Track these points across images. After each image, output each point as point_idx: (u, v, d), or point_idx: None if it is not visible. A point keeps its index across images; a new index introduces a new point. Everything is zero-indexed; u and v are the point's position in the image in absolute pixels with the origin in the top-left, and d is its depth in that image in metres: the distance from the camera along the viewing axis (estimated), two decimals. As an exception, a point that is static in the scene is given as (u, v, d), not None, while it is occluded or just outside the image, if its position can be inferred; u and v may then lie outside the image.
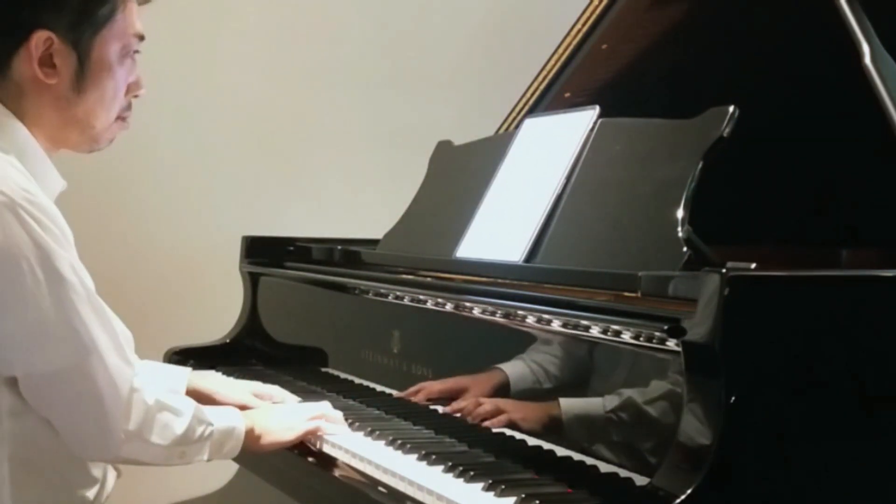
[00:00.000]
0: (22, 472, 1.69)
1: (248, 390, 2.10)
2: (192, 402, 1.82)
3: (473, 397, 1.86)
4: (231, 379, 2.22)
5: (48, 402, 1.68)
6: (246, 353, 2.68)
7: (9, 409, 1.68)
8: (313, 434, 1.94)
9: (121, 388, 1.69)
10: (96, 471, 1.80)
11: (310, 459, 1.93)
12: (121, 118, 1.83)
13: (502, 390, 1.81)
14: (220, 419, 1.83)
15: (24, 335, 1.64)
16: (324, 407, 2.00)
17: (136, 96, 1.84)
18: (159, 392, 1.76)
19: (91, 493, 1.78)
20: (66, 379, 1.66)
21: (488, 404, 1.82)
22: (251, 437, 1.86)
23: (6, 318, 1.64)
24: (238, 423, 1.85)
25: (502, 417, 1.79)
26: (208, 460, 1.83)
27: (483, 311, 1.87)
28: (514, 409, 1.79)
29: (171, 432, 1.74)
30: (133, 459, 1.74)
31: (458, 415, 1.89)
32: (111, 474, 1.87)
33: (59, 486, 1.74)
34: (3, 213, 1.62)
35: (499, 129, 2.64)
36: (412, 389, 2.03)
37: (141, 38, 1.82)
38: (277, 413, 1.99)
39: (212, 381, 2.14)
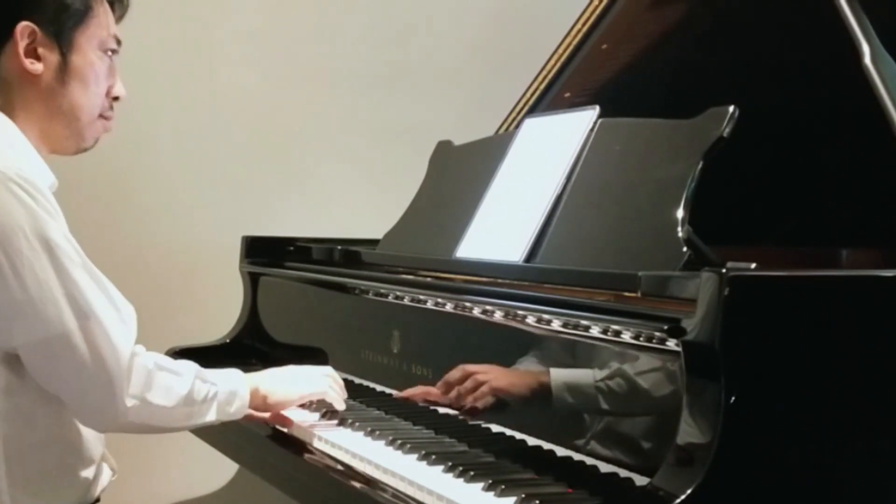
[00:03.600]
0: (17, 451, 1.72)
1: None
2: (192, 364, 1.85)
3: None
4: None
5: (52, 371, 1.71)
6: (246, 353, 2.68)
7: (4, 387, 1.71)
8: (319, 396, 1.99)
9: (121, 352, 1.71)
10: (91, 457, 1.81)
11: (310, 459, 1.93)
12: (103, 117, 1.89)
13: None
14: (224, 380, 1.86)
15: (22, 303, 1.68)
16: (328, 369, 2.04)
17: (116, 98, 1.91)
18: (157, 356, 1.79)
19: (86, 479, 1.80)
20: (67, 344, 1.69)
21: (471, 382, 1.84)
22: (257, 396, 1.91)
23: (4, 288, 1.67)
24: (241, 383, 1.89)
25: (487, 386, 1.81)
26: (216, 422, 1.86)
27: (483, 311, 1.87)
28: (502, 375, 1.80)
29: (175, 393, 1.77)
30: (141, 424, 1.75)
31: (452, 397, 1.89)
32: (106, 470, 1.88)
33: (53, 468, 1.77)
34: None
35: (499, 129, 2.64)
36: (411, 391, 2.04)
37: (118, 41, 1.90)
38: (283, 373, 2.02)
39: None
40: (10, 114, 1.81)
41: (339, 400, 2.02)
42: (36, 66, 1.80)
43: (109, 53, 1.88)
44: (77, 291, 1.70)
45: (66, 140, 1.87)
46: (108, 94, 1.89)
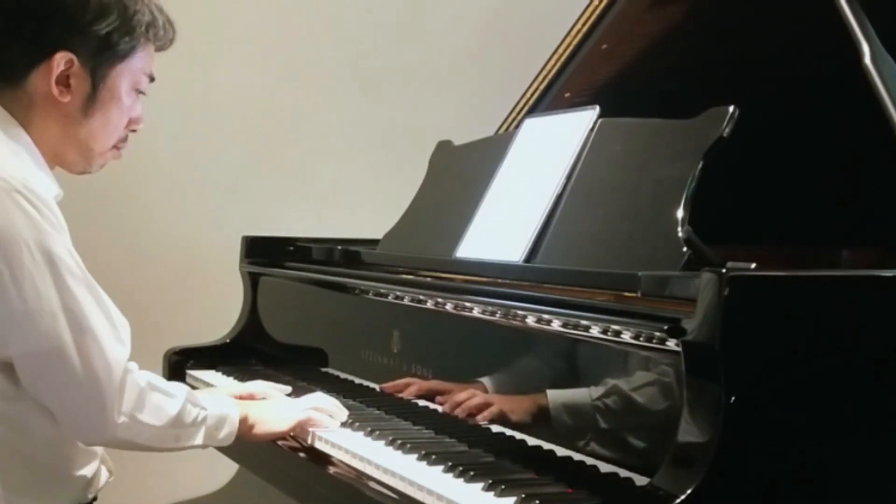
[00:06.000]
0: (11, 457, 1.72)
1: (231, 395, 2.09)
2: (184, 387, 1.84)
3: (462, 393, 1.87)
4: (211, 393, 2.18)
5: (44, 383, 1.71)
6: (246, 353, 2.68)
7: (0, 392, 1.70)
8: (307, 424, 1.96)
9: (114, 369, 1.71)
10: (87, 461, 1.81)
11: (310, 459, 1.93)
12: (116, 147, 1.89)
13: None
14: (214, 405, 1.85)
15: (20, 313, 1.68)
16: (317, 398, 2.02)
17: (133, 130, 1.91)
18: (150, 375, 1.79)
19: (80, 483, 1.80)
20: (61, 358, 1.68)
21: (476, 398, 1.84)
22: (245, 425, 1.89)
23: (2, 298, 1.67)
24: (232, 410, 1.87)
25: (492, 409, 1.81)
26: (203, 447, 1.85)
27: (483, 311, 1.86)
28: (502, 401, 1.80)
29: (165, 413, 1.76)
30: (128, 441, 1.75)
31: (443, 408, 1.91)
32: (104, 473, 1.88)
33: (49, 474, 1.77)
34: (1, 198, 1.67)
35: (499, 129, 2.64)
36: (401, 383, 2.06)
37: (151, 79, 1.90)
38: (271, 404, 2.02)
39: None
40: (26, 128, 1.79)
41: (330, 419, 1.98)
42: (64, 96, 1.79)
43: (140, 91, 1.88)
44: (75, 305, 1.69)
45: (74, 164, 1.87)
46: (128, 124, 1.88)
